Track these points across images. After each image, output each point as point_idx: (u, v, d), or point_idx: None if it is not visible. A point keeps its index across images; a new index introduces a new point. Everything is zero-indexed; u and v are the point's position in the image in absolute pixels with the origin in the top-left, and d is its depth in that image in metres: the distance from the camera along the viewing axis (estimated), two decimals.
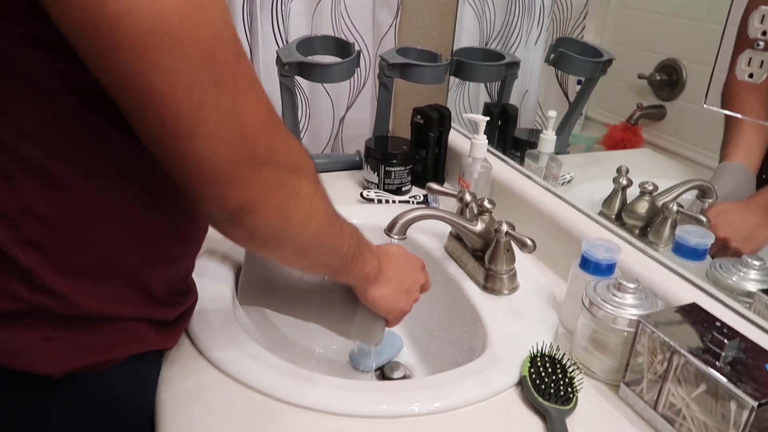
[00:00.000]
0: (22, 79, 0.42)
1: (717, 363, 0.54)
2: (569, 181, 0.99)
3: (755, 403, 0.50)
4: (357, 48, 1.06)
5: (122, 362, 0.54)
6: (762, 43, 0.60)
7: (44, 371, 0.49)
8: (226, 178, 0.42)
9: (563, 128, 1.04)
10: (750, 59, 0.61)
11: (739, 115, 0.69)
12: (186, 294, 0.62)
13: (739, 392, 0.51)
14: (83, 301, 0.49)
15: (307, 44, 1.05)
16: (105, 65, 0.37)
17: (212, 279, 0.77)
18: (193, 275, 0.65)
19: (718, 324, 0.59)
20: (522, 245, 0.72)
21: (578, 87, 1.08)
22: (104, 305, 0.50)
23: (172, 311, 0.59)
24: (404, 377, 0.84)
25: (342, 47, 1.07)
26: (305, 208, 0.49)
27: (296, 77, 1.01)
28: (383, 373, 0.85)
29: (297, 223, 0.49)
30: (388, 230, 0.76)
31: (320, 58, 1.06)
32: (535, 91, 1.20)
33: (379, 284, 0.64)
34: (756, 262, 0.67)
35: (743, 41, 0.64)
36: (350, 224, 0.59)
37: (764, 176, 0.71)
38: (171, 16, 0.36)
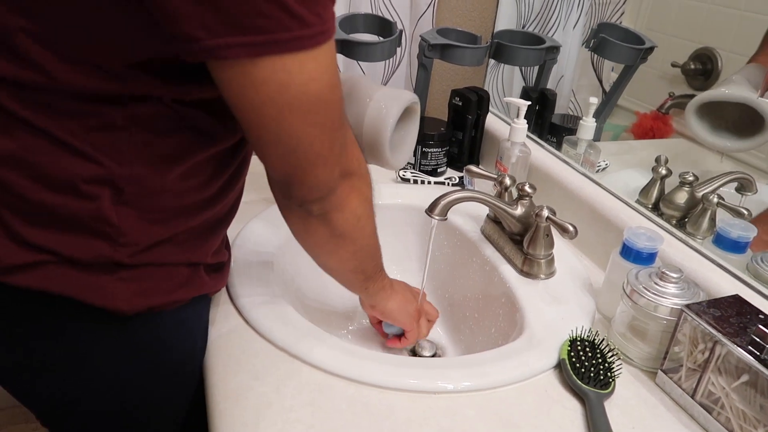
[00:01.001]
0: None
1: (760, 355, 0.55)
2: (604, 169, 0.99)
3: None
4: (399, 27, 1.06)
5: (183, 306, 0.59)
6: None
7: (116, 307, 0.53)
8: (333, 187, 0.54)
9: (599, 115, 1.03)
10: None
11: None
12: (226, 245, 0.69)
13: None
14: (159, 254, 0.55)
15: (350, 22, 1.04)
16: (269, 126, 0.47)
17: (251, 252, 0.78)
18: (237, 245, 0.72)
19: (761, 316, 0.60)
20: (564, 231, 0.73)
21: (613, 74, 1.07)
22: (174, 255, 0.56)
23: (221, 257, 0.65)
24: (434, 356, 0.86)
25: (384, 26, 1.07)
26: (368, 209, 0.61)
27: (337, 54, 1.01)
28: (414, 351, 0.86)
29: (363, 223, 0.60)
30: (430, 210, 0.76)
31: (361, 36, 1.06)
32: (571, 77, 1.19)
33: (394, 296, 0.74)
34: None
35: None
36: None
37: None
38: (327, 89, 0.47)
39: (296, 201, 0.54)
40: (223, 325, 0.67)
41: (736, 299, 0.63)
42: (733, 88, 0.79)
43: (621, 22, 1.06)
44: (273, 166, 0.51)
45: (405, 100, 0.76)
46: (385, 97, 0.77)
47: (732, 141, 0.80)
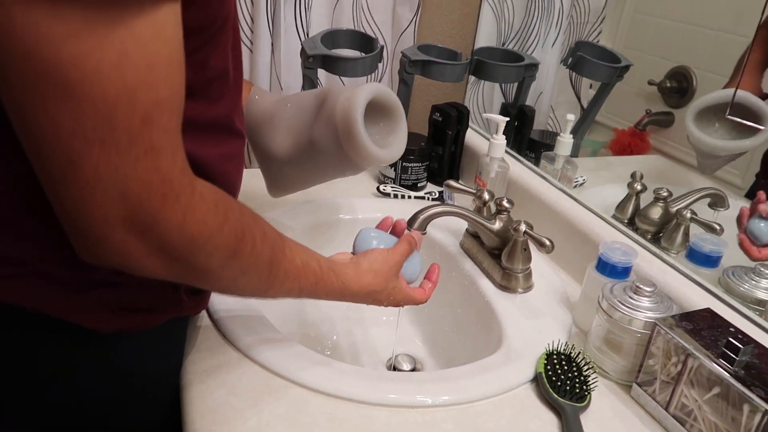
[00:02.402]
0: None
1: (731, 367, 0.56)
2: (581, 184, 1.01)
3: None
4: (380, 43, 1.07)
5: (160, 325, 0.58)
6: None
7: (94, 326, 0.52)
8: (98, 237, 0.41)
9: (577, 132, 1.05)
10: None
11: None
12: None
13: (753, 396, 0.53)
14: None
15: (331, 37, 1.06)
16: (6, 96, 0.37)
17: None
18: None
19: (732, 329, 0.61)
20: (540, 245, 0.74)
21: (590, 91, 1.09)
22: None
23: None
24: (414, 370, 0.86)
25: (365, 42, 1.08)
26: (215, 281, 0.49)
27: (318, 69, 1.02)
28: (394, 366, 0.86)
29: (218, 288, 0.52)
30: (409, 224, 0.77)
31: (342, 51, 1.07)
32: (549, 94, 1.21)
33: (353, 300, 0.65)
34: None
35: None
36: (299, 263, 0.57)
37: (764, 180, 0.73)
38: (71, 67, 0.35)
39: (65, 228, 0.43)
40: (199, 341, 0.66)
41: (708, 312, 0.64)
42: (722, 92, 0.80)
43: (598, 41, 1.08)
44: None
45: (375, 86, 0.72)
46: (367, 84, 0.75)
47: (732, 141, 0.79)
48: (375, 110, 0.74)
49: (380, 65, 1.27)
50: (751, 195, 0.78)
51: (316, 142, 0.72)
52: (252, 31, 1.15)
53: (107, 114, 0.37)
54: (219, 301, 0.71)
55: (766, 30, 0.64)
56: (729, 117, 0.71)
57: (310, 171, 0.77)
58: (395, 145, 0.77)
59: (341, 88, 0.73)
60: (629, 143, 0.98)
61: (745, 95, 0.72)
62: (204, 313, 0.70)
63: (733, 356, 0.56)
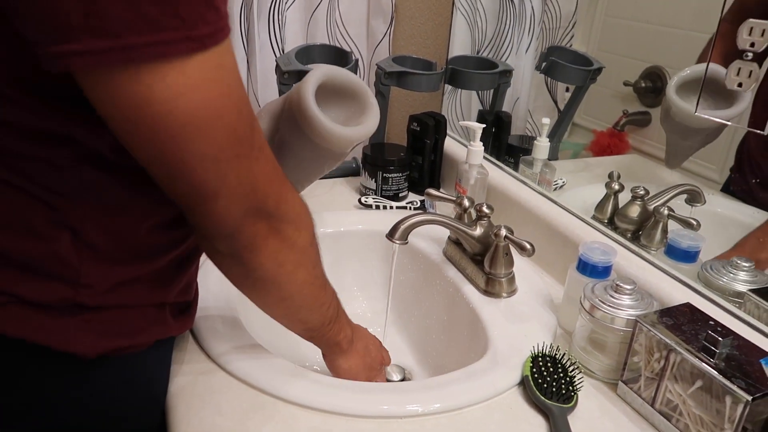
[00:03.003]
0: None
1: (712, 360, 0.56)
2: (561, 187, 1.02)
3: (749, 398, 0.52)
4: (354, 57, 1.08)
5: (147, 347, 0.57)
6: (750, 54, 0.63)
7: (77, 351, 0.52)
8: (238, 226, 0.48)
9: (554, 135, 1.06)
10: (739, 69, 0.64)
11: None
12: (194, 281, 0.67)
13: (734, 387, 0.53)
14: (123, 295, 0.53)
15: (306, 53, 1.06)
16: (144, 148, 0.43)
17: (215, 286, 0.78)
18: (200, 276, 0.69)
19: (711, 323, 0.62)
20: (521, 249, 0.75)
21: (567, 94, 1.11)
22: (139, 296, 0.55)
23: (187, 297, 0.63)
24: (403, 380, 0.86)
25: (340, 56, 1.09)
26: (297, 256, 0.55)
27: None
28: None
29: (288, 270, 0.55)
30: (390, 235, 0.77)
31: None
32: (526, 99, 1.22)
33: (349, 355, 0.70)
34: (745, 264, 0.70)
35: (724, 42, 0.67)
36: (333, 289, 0.65)
37: (755, 180, 0.74)
38: (203, 110, 0.41)
39: (201, 233, 0.50)
40: (184, 361, 0.66)
41: (688, 307, 0.65)
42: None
43: (571, 45, 1.10)
44: (166, 190, 0.46)
45: (327, 67, 0.73)
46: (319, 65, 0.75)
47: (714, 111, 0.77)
48: (340, 95, 0.75)
49: None
50: (726, 189, 0.79)
51: (286, 140, 0.72)
52: None
53: (233, 133, 0.44)
54: (203, 320, 0.70)
55: (728, 23, 0.65)
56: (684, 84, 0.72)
57: (293, 171, 0.77)
58: (365, 123, 0.77)
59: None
60: (608, 144, 0.99)
61: (716, 69, 0.72)
62: (188, 333, 0.70)
63: (714, 349, 0.57)
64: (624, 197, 0.88)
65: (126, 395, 0.58)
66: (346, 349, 0.69)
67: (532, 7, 1.16)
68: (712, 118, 0.73)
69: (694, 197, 0.82)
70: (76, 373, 0.54)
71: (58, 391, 0.54)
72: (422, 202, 1.09)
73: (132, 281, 0.54)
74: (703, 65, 0.70)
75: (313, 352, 0.88)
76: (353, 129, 0.75)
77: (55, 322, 0.51)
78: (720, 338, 0.56)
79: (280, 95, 1.03)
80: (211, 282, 0.78)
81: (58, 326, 0.51)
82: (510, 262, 0.80)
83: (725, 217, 0.79)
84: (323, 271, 0.61)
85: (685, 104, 0.79)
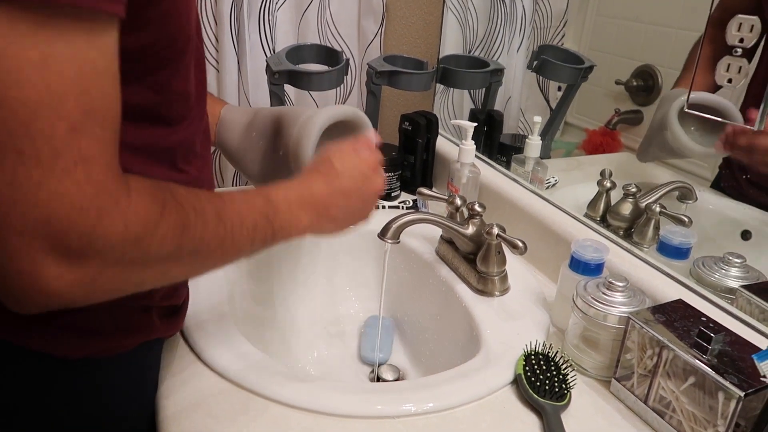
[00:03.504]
0: None
1: (704, 356, 0.56)
2: (554, 185, 1.02)
3: (742, 393, 0.52)
4: (345, 56, 1.07)
5: (132, 349, 0.56)
6: (740, 50, 0.63)
7: (59, 353, 0.51)
8: (22, 279, 0.35)
9: (546, 133, 1.06)
10: (729, 65, 0.64)
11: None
12: (183, 285, 0.65)
13: (727, 383, 0.53)
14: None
15: (296, 53, 1.06)
16: None
17: (206, 286, 0.77)
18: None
19: (703, 319, 0.62)
20: (513, 247, 0.74)
21: (558, 93, 1.11)
22: (119, 301, 0.52)
23: (175, 300, 0.62)
24: (397, 379, 0.85)
25: (330, 55, 1.09)
26: (162, 267, 0.43)
27: (285, 85, 1.02)
28: (377, 376, 0.86)
29: (153, 282, 0.44)
30: (382, 235, 0.77)
31: (308, 66, 1.07)
32: (518, 98, 1.22)
33: (322, 230, 0.59)
34: (737, 260, 0.70)
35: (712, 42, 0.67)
36: (250, 208, 0.51)
37: (745, 177, 0.74)
38: None
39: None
40: (174, 363, 0.65)
41: (680, 304, 0.65)
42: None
43: (563, 44, 1.10)
44: None
45: (339, 110, 0.68)
46: (320, 109, 0.70)
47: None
48: (341, 127, 0.72)
49: (348, 78, 1.28)
50: (716, 186, 0.79)
51: (279, 171, 0.72)
52: (217, 51, 1.15)
53: (25, 120, 0.32)
54: (193, 322, 0.70)
55: (713, 28, 0.65)
56: (688, 111, 0.72)
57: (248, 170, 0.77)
58: None
59: (295, 116, 0.69)
60: (601, 143, 0.99)
61: (710, 99, 0.72)
62: (178, 334, 0.69)
63: (706, 345, 0.56)
64: (616, 195, 0.88)
65: (112, 397, 0.58)
66: (317, 230, 0.59)
67: (523, 6, 1.16)
68: (709, 150, 0.74)
69: (685, 194, 0.82)
70: (60, 375, 0.53)
71: (42, 392, 0.53)
72: (414, 201, 1.09)
73: None
74: (702, 95, 0.70)
75: (305, 351, 0.88)
76: None
77: (35, 325, 0.50)
78: (712, 334, 0.56)
79: (271, 96, 1.03)
80: (202, 284, 0.78)
81: (39, 330, 0.50)
82: (502, 261, 0.80)
83: (716, 214, 0.79)
84: (225, 210, 0.48)
85: (684, 137, 0.79)
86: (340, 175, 0.59)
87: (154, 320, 0.58)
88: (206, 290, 0.76)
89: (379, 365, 0.87)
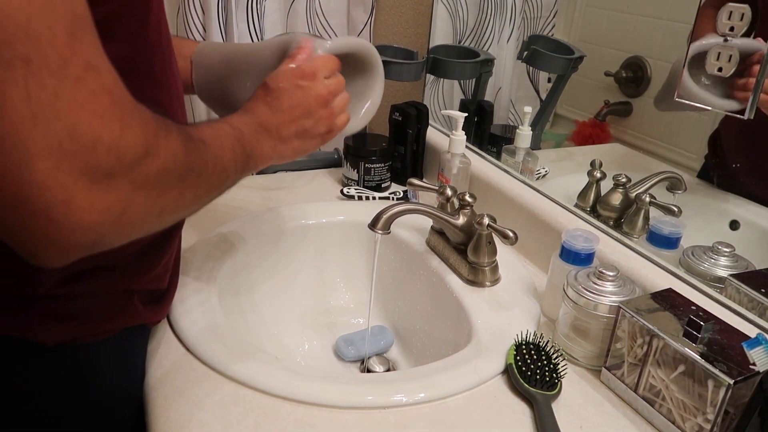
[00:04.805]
0: None
1: (694, 344, 0.56)
2: (544, 176, 1.02)
3: (731, 381, 0.52)
4: None
5: (114, 336, 0.56)
6: (730, 39, 0.63)
7: (36, 339, 0.50)
8: (58, 203, 0.31)
9: (536, 124, 1.06)
10: (719, 54, 0.64)
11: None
12: (166, 271, 0.63)
13: (716, 371, 0.53)
14: (82, 284, 0.51)
15: None
16: None
17: (194, 274, 0.77)
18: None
19: (693, 308, 0.62)
20: (504, 237, 0.74)
21: (549, 84, 1.11)
22: (102, 284, 0.52)
23: (159, 285, 0.61)
24: (388, 370, 0.85)
25: None
26: (179, 189, 0.41)
27: None
28: (367, 368, 0.86)
29: (171, 210, 0.41)
30: (372, 225, 0.76)
31: None
32: (508, 88, 1.22)
33: (284, 153, 0.59)
34: (726, 249, 0.70)
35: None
36: (221, 133, 0.50)
37: (735, 165, 0.75)
38: None
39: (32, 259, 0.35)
40: (161, 354, 0.65)
41: (670, 293, 0.65)
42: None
43: (553, 35, 1.09)
44: None
45: (344, 42, 0.64)
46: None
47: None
48: (347, 65, 0.67)
49: None
50: (703, 176, 0.79)
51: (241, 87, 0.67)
52: (205, 40, 1.13)
53: (23, 24, 0.29)
54: (180, 312, 0.69)
55: (710, 7, 0.65)
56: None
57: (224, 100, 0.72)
58: (362, 114, 0.71)
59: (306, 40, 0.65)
60: (590, 134, 0.99)
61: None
62: (166, 324, 0.69)
63: (696, 334, 0.57)
64: (606, 185, 0.88)
65: (96, 384, 0.57)
66: (278, 150, 0.58)
67: None
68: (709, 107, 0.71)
69: (675, 184, 0.82)
70: (38, 361, 0.52)
71: (19, 378, 0.53)
72: (405, 192, 1.08)
73: (95, 269, 0.51)
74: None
75: (295, 343, 0.88)
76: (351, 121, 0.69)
77: (12, 312, 0.49)
78: (702, 323, 0.56)
79: None
80: (192, 272, 0.77)
81: (15, 316, 0.49)
82: (493, 251, 0.80)
83: (705, 204, 0.80)
84: (212, 154, 0.46)
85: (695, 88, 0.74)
86: (276, 93, 0.58)
87: (136, 305, 0.57)
88: (194, 278, 0.76)
89: (369, 357, 0.86)
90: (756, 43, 0.62)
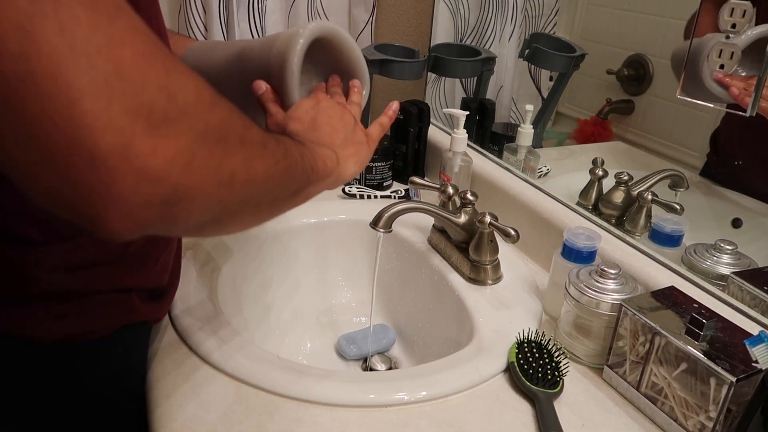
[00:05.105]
0: None
1: (696, 342, 0.56)
2: (546, 174, 1.02)
3: (734, 379, 0.52)
4: None
5: (113, 333, 0.55)
6: (732, 35, 0.63)
7: (32, 336, 0.50)
8: (117, 149, 0.28)
9: (538, 122, 1.06)
10: (721, 51, 0.64)
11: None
12: (165, 269, 0.63)
13: (718, 369, 0.53)
14: (78, 281, 0.50)
15: None
16: None
17: (195, 272, 0.77)
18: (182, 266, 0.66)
19: (695, 305, 0.62)
20: (506, 235, 0.74)
21: (550, 82, 1.11)
22: (99, 281, 0.52)
23: (160, 282, 0.61)
24: (390, 369, 0.85)
25: None
26: (244, 153, 0.37)
27: None
28: (369, 366, 0.86)
29: (242, 179, 0.37)
30: (374, 224, 0.76)
31: None
32: (510, 87, 1.22)
33: (349, 164, 0.57)
34: (728, 247, 0.70)
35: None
36: (277, 140, 0.45)
37: (737, 163, 0.74)
38: None
39: (99, 231, 0.31)
40: (163, 353, 0.65)
41: (672, 290, 0.65)
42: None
43: (554, 33, 1.09)
44: (24, 183, 0.29)
45: (325, 24, 0.62)
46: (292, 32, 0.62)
47: None
48: (325, 53, 0.65)
49: None
50: (705, 173, 0.79)
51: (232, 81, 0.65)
52: (206, 39, 1.13)
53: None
54: (182, 309, 0.69)
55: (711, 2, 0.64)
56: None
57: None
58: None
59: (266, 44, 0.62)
60: (592, 132, 0.99)
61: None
62: (167, 322, 0.69)
63: (698, 331, 0.57)
64: (608, 183, 0.87)
65: (93, 381, 0.57)
66: (344, 166, 0.56)
67: None
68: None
69: (677, 182, 0.82)
70: (34, 358, 0.52)
71: (20, 377, 0.52)
72: (406, 190, 1.08)
73: (90, 267, 0.51)
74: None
75: (297, 342, 0.88)
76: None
77: (8, 310, 0.49)
78: (704, 321, 0.56)
79: None
80: (194, 270, 0.77)
81: (12, 314, 0.49)
82: (495, 249, 0.80)
83: (707, 202, 0.80)
84: (275, 138, 0.43)
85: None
86: (302, 120, 0.57)
87: (135, 303, 0.57)
88: (196, 276, 0.76)
89: (371, 356, 0.86)
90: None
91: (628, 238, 0.79)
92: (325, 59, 0.68)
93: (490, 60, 1.15)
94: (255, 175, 0.38)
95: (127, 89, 0.28)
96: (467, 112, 0.94)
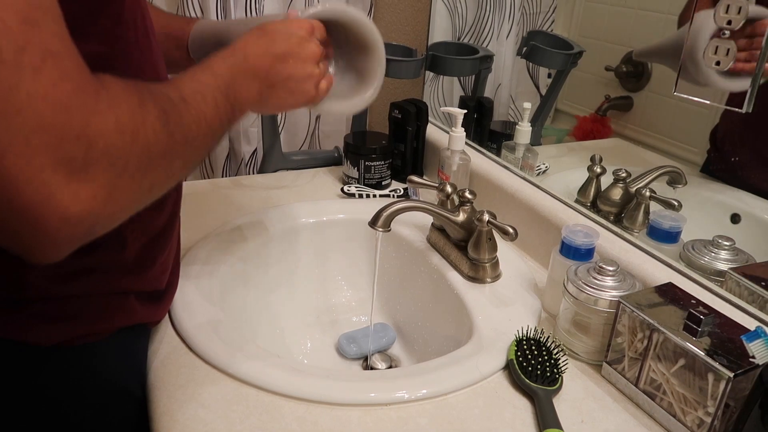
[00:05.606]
0: None
1: (694, 338, 0.57)
2: (544, 171, 1.02)
3: (731, 374, 0.53)
4: None
5: (111, 335, 0.55)
6: (728, 32, 0.63)
7: (31, 341, 0.50)
8: (41, 199, 0.31)
9: (536, 120, 1.06)
10: (717, 47, 0.64)
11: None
12: (163, 271, 0.63)
13: (716, 365, 0.54)
14: (80, 284, 0.51)
15: None
16: None
17: (195, 273, 0.77)
18: (183, 266, 0.66)
19: (693, 301, 0.62)
20: (504, 233, 0.74)
21: (549, 80, 1.11)
22: (97, 285, 0.52)
23: (158, 285, 0.61)
24: (390, 367, 0.86)
25: None
26: (166, 160, 0.40)
27: None
28: (369, 365, 0.86)
29: (162, 182, 0.42)
30: (373, 223, 0.77)
31: None
32: (508, 84, 1.22)
33: (268, 100, 0.56)
34: (726, 243, 0.70)
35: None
36: (203, 87, 0.48)
37: (735, 159, 0.75)
38: None
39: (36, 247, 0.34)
40: (164, 354, 0.65)
41: (670, 287, 0.65)
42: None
43: (552, 30, 1.09)
44: None
45: (331, 8, 0.61)
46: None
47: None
48: (348, 43, 0.64)
49: None
50: (706, 170, 0.79)
51: None
52: None
53: None
54: (182, 310, 0.69)
55: None
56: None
57: None
58: (360, 95, 0.68)
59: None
60: (591, 129, 0.99)
61: None
62: (167, 323, 0.69)
63: (696, 327, 0.57)
64: (606, 180, 0.88)
65: (92, 384, 0.57)
66: (268, 98, 0.56)
67: None
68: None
69: (675, 179, 0.82)
70: (36, 363, 0.52)
71: (18, 381, 0.52)
72: (405, 189, 1.08)
73: (87, 271, 0.51)
74: None
75: (297, 341, 0.88)
76: (342, 103, 0.67)
77: (4, 312, 0.49)
78: (702, 317, 0.57)
79: None
80: (193, 271, 0.77)
81: (8, 318, 0.49)
82: (493, 247, 0.80)
83: (705, 198, 0.80)
84: (197, 118, 0.45)
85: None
86: (272, 35, 0.56)
87: (133, 305, 0.57)
88: (195, 277, 0.76)
89: (371, 355, 0.87)
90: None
91: (626, 235, 0.79)
92: (345, 45, 0.66)
93: (488, 58, 1.15)
94: (174, 172, 0.42)
95: (47, 145, 0.31)
96: (465, 111, 0.94)
